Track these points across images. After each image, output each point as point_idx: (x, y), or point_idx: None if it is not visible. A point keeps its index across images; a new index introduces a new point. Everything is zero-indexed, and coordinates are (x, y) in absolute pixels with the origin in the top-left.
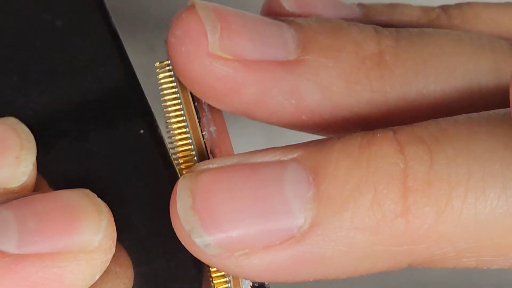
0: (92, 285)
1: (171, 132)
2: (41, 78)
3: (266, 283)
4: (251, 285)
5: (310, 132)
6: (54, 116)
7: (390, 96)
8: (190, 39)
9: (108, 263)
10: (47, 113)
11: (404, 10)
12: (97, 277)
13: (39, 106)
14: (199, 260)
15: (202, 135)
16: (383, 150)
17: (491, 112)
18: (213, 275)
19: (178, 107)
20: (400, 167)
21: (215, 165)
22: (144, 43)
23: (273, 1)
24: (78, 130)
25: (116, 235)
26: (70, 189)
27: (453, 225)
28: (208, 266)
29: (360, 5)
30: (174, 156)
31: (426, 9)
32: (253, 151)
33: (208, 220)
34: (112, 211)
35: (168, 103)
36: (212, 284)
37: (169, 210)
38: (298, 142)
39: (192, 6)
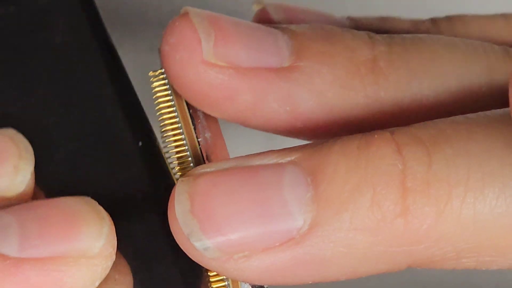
0: None
1: (166, 140)
2: (39, 91)
3: (265, 287)
4: None
5: (305, 139)
6: (52, 128)
7: (385, 102)
8: (184, 47)
9: (109, 270)
10: (45, 125)
11: (394, 23)
12: (97, 283)
13: (37, 118)
14: (197, 267)
15: (198, 141)
16: (382, 151)
17: (488, 112)
18: (211, 279)
19: (173, 114)
20: (399, 167)
21: (212, 169)
22: (144, 43)
23: (263, 13)
24: (76, 142)
25: (116, 243)
26: (71, 196)
27: (452, 225)
28: (207, 271)
29: (349, 18)
30: (171, 165)
31: (416, 22)
32: (251, 154)
33: (207, 224)
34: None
35: (163, 111)
36: None
37: (167, 219)
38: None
39: (186, 14)
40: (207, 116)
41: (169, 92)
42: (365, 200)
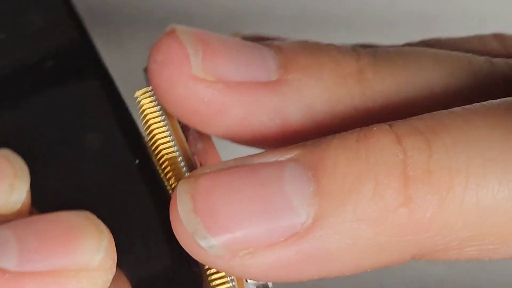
0: None
1: (159, 155)
2: (34, 111)
3: (270, 285)
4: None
5: None
6: (49, 149)
7: (373, 112)
8: (173, 63)
9: (109, 283)
10: (42, 145)
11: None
12: None
13: (33, 138)
14: (199, 279)
15: (191, 152)
16: (381, 142)
17: (484, 102)
18: (213, 283)
19: (163, 129)
20: (399, 157)
21: (213, 170)
22: (144, 43)
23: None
24: (74, 162)
25: (116, 256)
26: (69, 211)
27: (455, 213)
28: (209, 280)
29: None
30: (166, 177)
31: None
32: (250, 155)
33: (211, 222)
34: None
35: (153, 127)
36: None
37: (166, 233)
38: None
39: (172, 31)
40: (198, 130)
41: (158, 108)
42: (367, 191)
